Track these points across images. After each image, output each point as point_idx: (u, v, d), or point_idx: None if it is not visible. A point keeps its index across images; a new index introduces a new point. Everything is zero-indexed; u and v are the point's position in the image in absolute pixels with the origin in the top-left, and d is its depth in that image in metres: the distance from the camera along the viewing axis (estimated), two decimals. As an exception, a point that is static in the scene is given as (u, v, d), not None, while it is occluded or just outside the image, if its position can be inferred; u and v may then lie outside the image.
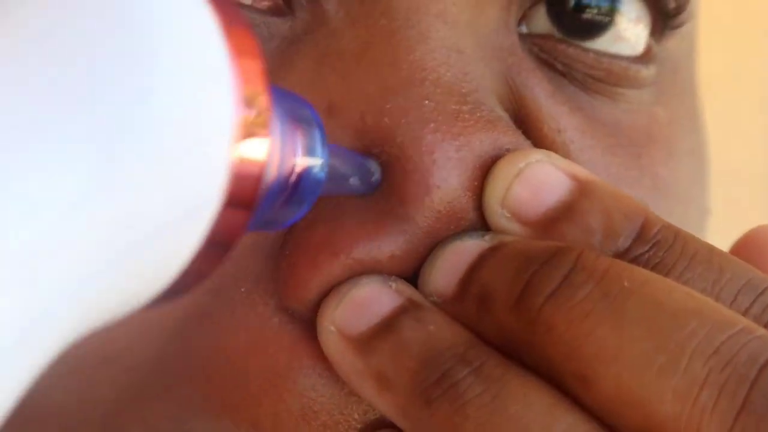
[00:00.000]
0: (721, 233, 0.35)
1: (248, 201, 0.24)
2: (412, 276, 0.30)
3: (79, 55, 0.21)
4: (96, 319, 0.23)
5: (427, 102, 0.29)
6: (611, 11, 0.34)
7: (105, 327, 0.24)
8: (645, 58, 0.34)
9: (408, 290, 0.29)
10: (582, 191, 0.29)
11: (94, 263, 0.21)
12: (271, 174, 0.25)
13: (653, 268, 0.28)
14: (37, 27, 0.21)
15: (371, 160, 0.29)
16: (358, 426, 0.29)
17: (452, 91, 0.29)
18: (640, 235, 0.29)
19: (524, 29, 0.33)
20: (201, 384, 0.30)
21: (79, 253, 0.21)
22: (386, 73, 0.30)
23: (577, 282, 0.27)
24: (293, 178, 0.27)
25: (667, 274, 0.28)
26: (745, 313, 0.28)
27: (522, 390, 0.27)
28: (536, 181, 0.29)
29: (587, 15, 0.33)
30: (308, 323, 0.29)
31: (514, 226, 0.29)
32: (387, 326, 0.28)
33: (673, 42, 0.35)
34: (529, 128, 0.32)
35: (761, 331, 0.26)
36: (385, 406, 0.28)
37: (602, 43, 0.33)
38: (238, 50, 0.23)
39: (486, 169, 0.30)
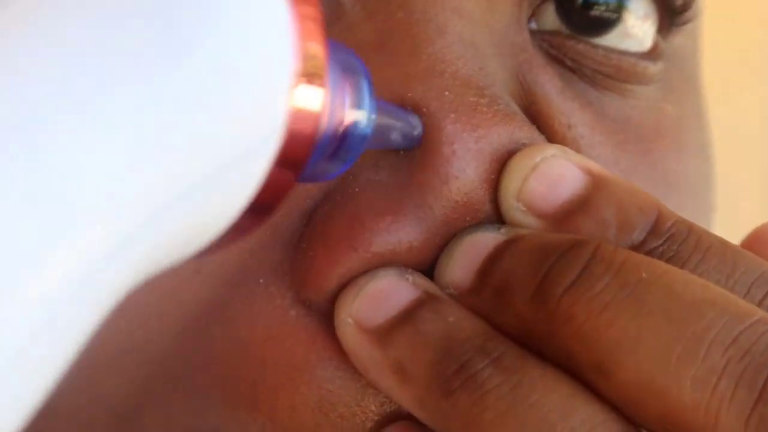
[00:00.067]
0: (720, 233, 0.36)
1: (303, 150, 0.24)
2: (428, 268, 0.30)
3: (147, 6, 0.21)
4: (152, 266, 0.23)
5: (447, 93, 0.29)
6: (619, 8, 0.34)
7: (154, 276, 0.23)
8: (652, 54, 0.34)
9: (425, 283, 0.29)
10: (596, 185, 0.30)
11: (155, 205, 0.21)
12: (322, 126, 0.25)
13: (668, 262, 0.29)
14: None
15: (413, 115, 0.29)
16: (375, 418, 0.29)
17: (470, 84, 0.30)
18: (654, 229, 0.29)
19: (534, 26, 0.33)
20: (218, 376, 0.30)
21: (146, 193, 0.21)
22: (406, 63, 0.30)
23: (595, 273, 0.27)
24: (340, 131, 0.26)
25: (681, 267, 0.29)
26: (758, 305, 0.28)
27: (541, 380, 0.27)
28: (552, 175, 0.30)
29: (595, 12, 0.34)
30: (325, 315, 0.29)
31: (530, 220, 0.30)
32: (405, 318, 0.28)
33: (679, 39, 0.36)
34: (540, 124, 0.32)
35: None
36: (404, 397, 0.28)
37: (610, 40, 0.34)
38: None
39: (502, 162, 0.30)
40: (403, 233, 0.29)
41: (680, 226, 0.29)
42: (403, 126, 0.29)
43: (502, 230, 0.30)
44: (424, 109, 0.29)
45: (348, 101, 0.26)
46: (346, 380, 0.29)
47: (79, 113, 0.20)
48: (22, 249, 0.19)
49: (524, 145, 0.30)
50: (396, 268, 0.29)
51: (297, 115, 0.23)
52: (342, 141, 0.26)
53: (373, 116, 0.27)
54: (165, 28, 0.21)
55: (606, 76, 0.34)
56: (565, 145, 0.32)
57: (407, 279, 0.29)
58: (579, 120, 0.33)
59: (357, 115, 0.26)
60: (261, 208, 0.24)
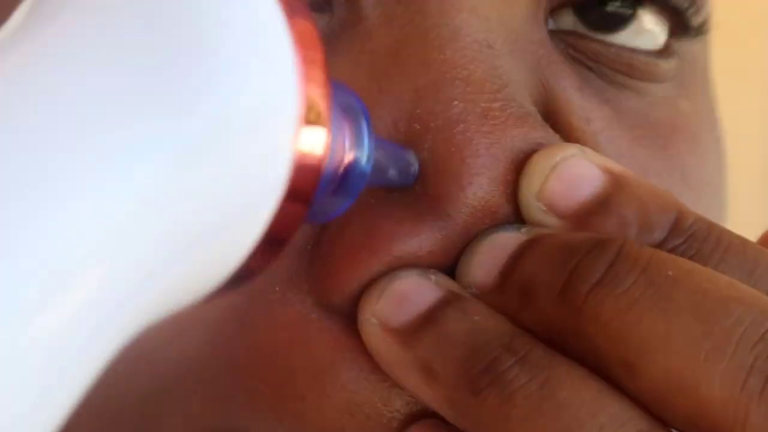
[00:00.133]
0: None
1: (307, 193, 0.24)
2: (448, 272, 0.30)
3: (148, 49, 0.22)
4: (158, 311, 0.23)
5: (456, 103, 0.30)
6: (634, 3, 0.34)
7: (163, 319, 0.24)
8: (665, 52, 0.35)
9: (448, 283, 0.29)
10: (616, 184, 0.30)
11: (162, 253, 0.22)
12: (323, 167, 0.26)
13: (689, 260, 0.29)
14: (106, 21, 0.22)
15: (410, 152, 0.29)
16: (401, 417, 0.29)
17: (483, 88, 0.30)
18: (675, 227, 0.29)
19: (551, 25, 0.33)
20: (244, 380, 0.30)
21: (151, 243, 0.21)
22: (417, 74, 0.30)
23: (622, 271, 0.27)
24: (341, 169, 0.27)
25: (703, 265, 0.29)
26: None
27: (568, 378, 0.27)
28: (572, 174, 0.30)
29: (611, 8, 0.34)
30: (348, 318, 0.29)
31: (550, 219, 0.30)
32: (430, 318, 0.28)
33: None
34: (559, 120, 0.32)
35: None
36: (431, 396, 0.28)
37: (624, 38, 0.34)
38: (301, 41, 0.23)
39: (518, 164, 0.30)
40: (423, 237, 0.29)
41: (700, 225, 0.30)
42: (399, 163, 0.29)
43: (524, 230, 0.30)
44: (432, 125, 0.29)
45: (348, 140, 0.27)
46: (372, 381, 0.29)
47: (89, 170, 0.20)
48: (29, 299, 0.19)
49: (540, 146, 0.30)
50: (418, 269, 0.29)
51: (301, 159, 0.24)
52: (343, 179, 0.27)
53: (373, 154, 0.27)
54: (175, 76, 0.21)
55: (621, 74, 0.34)
56: (584, 140, 0.32)
57: (430, 279, 0.29)
58: (597, 116, 0.33)
59: (357, 154, 0.27)
60: (273, 241, 0.24)
